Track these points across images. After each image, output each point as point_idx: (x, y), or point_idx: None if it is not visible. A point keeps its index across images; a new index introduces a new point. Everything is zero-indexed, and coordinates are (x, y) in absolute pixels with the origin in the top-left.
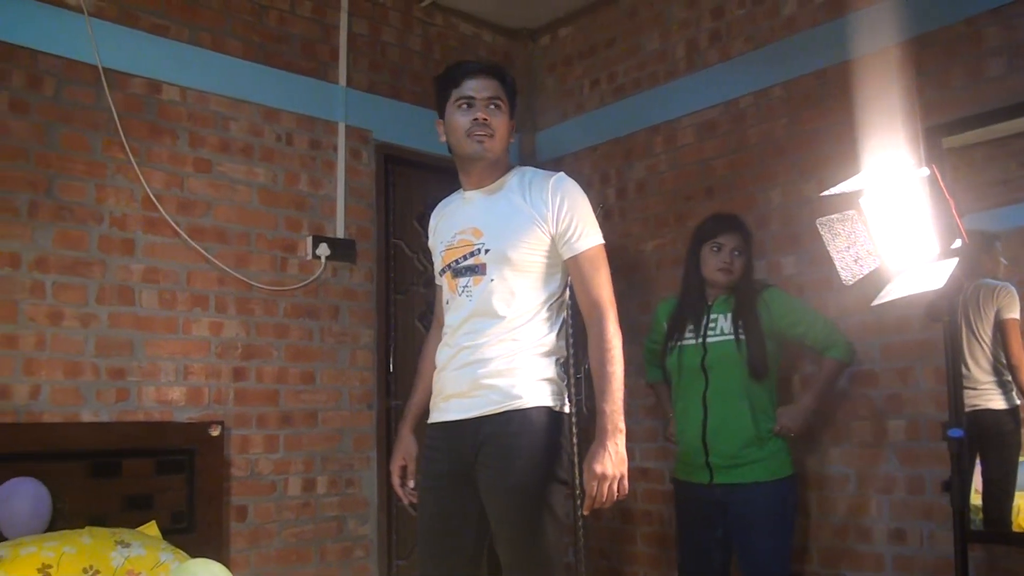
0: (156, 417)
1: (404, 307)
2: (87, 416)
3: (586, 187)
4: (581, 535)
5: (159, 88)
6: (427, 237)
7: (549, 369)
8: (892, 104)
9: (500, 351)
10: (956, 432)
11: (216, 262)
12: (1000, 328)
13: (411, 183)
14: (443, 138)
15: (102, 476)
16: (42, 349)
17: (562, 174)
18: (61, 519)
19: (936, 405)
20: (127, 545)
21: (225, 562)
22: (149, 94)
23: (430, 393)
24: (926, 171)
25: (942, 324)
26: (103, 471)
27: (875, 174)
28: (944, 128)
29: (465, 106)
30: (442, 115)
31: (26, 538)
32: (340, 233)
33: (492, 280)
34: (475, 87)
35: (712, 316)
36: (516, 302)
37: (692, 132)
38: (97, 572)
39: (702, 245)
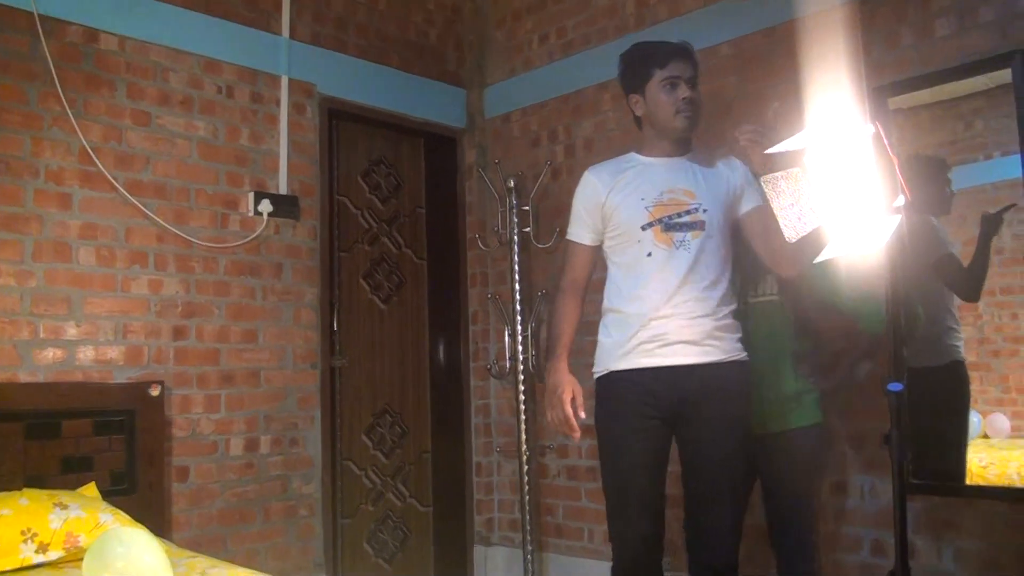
0: (95, 377)
1: (348, 265)
2: (24, 376)
3: (533, 145)
4: (526, 492)
5: (96, 37)
6: (585, 196)
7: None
8: (839, 63)
9: (724, 305)
10: (896, 386)
11: (155, 218)
12: None
13: (356, 138)
14: (639, 111)
15: (40, 437)
16: None
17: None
18: None
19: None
20: (66, 507)
21: (166, 523)
22: (86, 43)
23: (572, 340)
24: (871, 129)
25: (886, 279)
26: (41, 432)
27: (820, 132)
28: (890, 88)
29: (670, 86)
30: (635, 90)
31: None
32: (283, 189)
33: (711, 237)
34: (680, 68)
35: None
36: (724, 257)
37: None
38: (35, 535)
39: None
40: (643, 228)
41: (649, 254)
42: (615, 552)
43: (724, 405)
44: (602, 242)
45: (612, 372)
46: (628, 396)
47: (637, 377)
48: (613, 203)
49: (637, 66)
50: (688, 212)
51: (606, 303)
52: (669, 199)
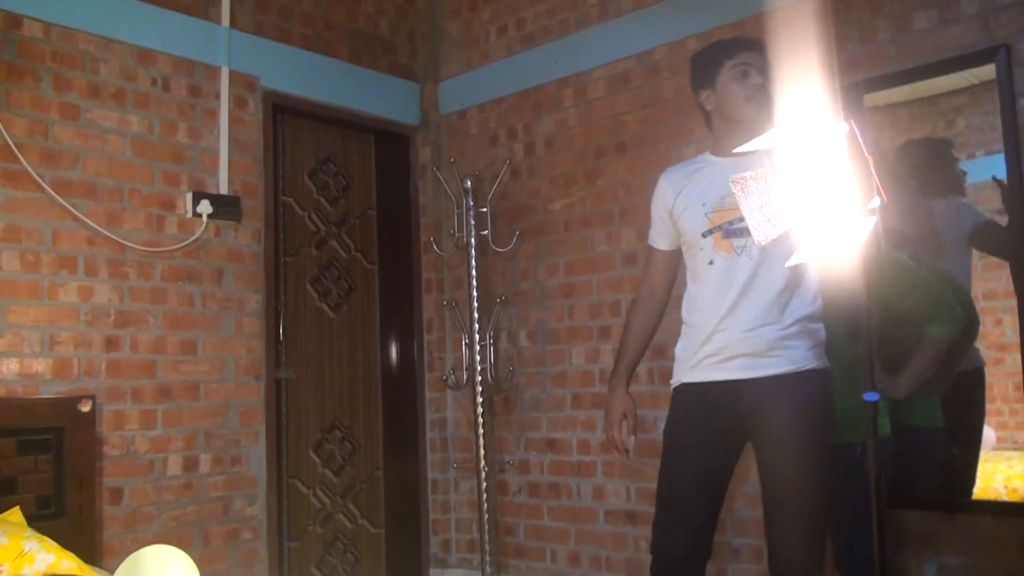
0: (19, 392)
1: (294, 270)
2: None
3: (491, 143)
4: (485, 511)
5: (19, 23)
6: (658, 200)
7: (822, 331)
8: (811, 59)
9: (798, 311)
10: (871, 396)
11: (85, 220)
12: None
13: (302, 135)
14: (710, 106)
15: None
16: None
17: None
18: None
19: None
20: None
21: (98, 549)
22: (8, 29)
23: (640, 355)
24: (845, 127)
25: (862, 283)
26: None
27: (791, 131)
28: (865, 84)
29: (740, 74)
30: (705, 85)
31: None
32: (223, 189)
33: (778, 241)
34: (750, 56)
35: None
36: (788, 263)
37: (604, 85)
38: None
39: None
40: (704, 235)
41: (711, 262)
42: (651, 564)
43: (789, 418)
44: (679, 247)
45: (682, 384)
46: (692, 409)
47: (700, 390)
48: (679, 208)
49: (706, 61)
50: None
51: (682, 312)
52: (729, 203)
